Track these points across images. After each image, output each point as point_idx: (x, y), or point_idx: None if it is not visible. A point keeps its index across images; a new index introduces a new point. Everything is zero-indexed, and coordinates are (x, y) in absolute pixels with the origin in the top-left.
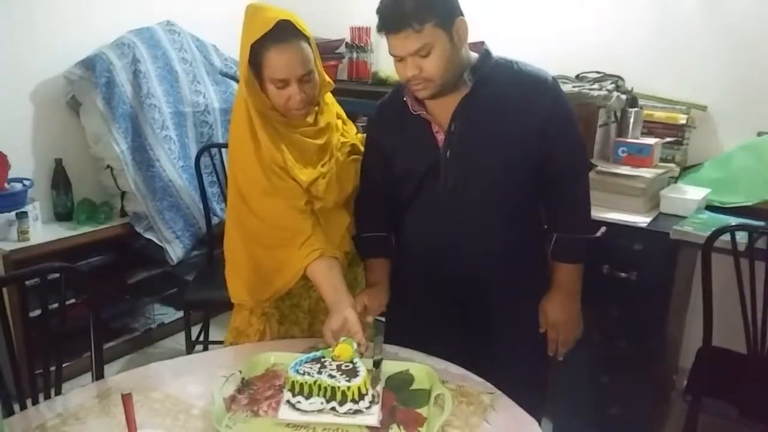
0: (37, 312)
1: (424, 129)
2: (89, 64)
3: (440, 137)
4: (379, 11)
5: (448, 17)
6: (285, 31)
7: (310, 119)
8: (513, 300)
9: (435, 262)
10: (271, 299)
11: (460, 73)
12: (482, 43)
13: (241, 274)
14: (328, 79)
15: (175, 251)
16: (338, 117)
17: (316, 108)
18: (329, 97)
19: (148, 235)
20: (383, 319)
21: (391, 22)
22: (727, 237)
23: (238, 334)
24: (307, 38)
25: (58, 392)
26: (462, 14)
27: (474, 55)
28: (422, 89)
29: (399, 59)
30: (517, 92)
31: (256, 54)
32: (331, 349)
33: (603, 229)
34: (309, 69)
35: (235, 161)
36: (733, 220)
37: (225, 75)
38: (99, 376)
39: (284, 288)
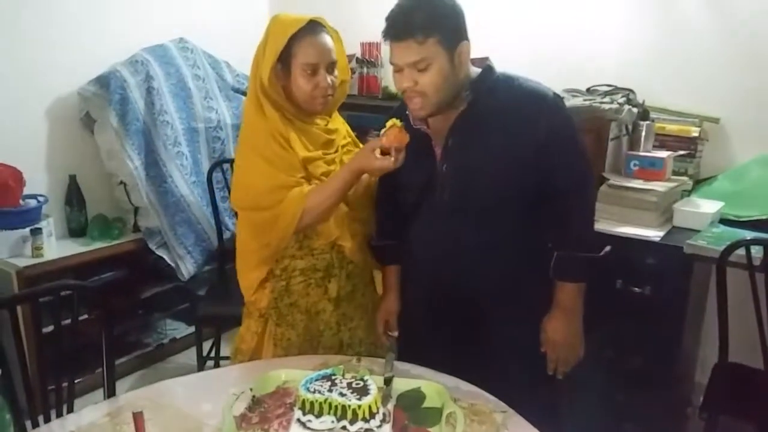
0: (50, 328)
1: (424, 143)
2: (103, 81)
3: (439, 151)
4: (388, 18)
5: (454, 38)
6: (317, 26)
7: (321, 122)
8: (513, 316)
9: (436, 273)
10: (280, 247)
11: (455, 95)
12: (486, 59)
13: (246, 251)
14: (346, 84)
15: (187, 267)
16: (348, 135)
17: (328, 118)
18: (340, 118)
19: (161, 253)
20: (395, 333)
21: (396, 29)
22: (741, 251)
23: (240, 340)
24: (332, 36)
25: (71, 409)
26: (467, 39)
27: (476, 70)
28: (419, 108)
29: (397, 69)
30: (516, 108)
31: (287, 45)
32: None
33: (607, 248)
34: (335, 60)
35: (242, 135)
36: (748, 234)
37: (237, 91)
38: (111, 393)
39: (288, 228)
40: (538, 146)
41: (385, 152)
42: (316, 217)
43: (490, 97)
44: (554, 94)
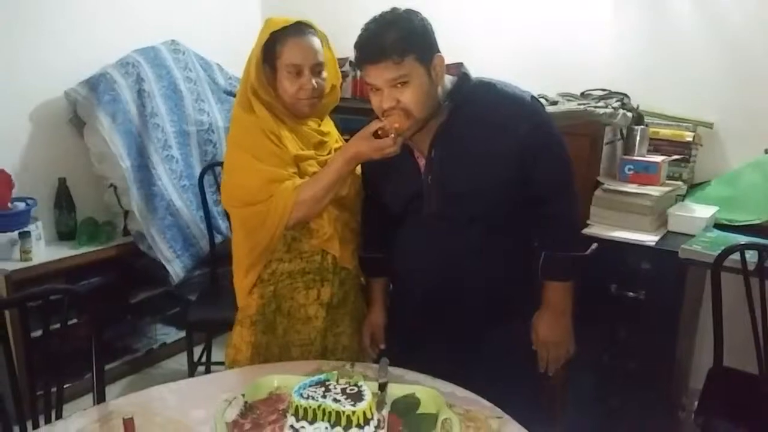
0: (39, 332)
1: (406, 155)
2: (93, 84)
3: (422, 163)
4: (358, 44)
5: (427, 53)
6: (303, 27)
7: (314, 124)
8: (502, 319)
9: (424, 282)
10: (270, 247)
11: (436, 108)
12: (461, 64)
13: (238, 255)
14: (338, 88)
15: (176, 271)
16: (340, 140)
17: (320, 121)
18: (331, 122)
19: (151, 253)
20: (382, 346)
21: (372, 52)
22: (736, 256)
23: (235, 351)
24: (321, 40)
25: (59, 415)
26: (439, 51)
27: (451, 79)
28: (404, 128)
29: (375, 90)
30: (495, 114)
31: (272, 46)
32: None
33: (594, 245)
34: (321, 61)
35: (231, 134)
36: (743, 239)
37: (229, 94)
38: (100, 399)
39: (280, 222)
40: (520, 150)
41: (383, 137)
42: (308, 211)
43: (469, 105)
44: (532, 97)
